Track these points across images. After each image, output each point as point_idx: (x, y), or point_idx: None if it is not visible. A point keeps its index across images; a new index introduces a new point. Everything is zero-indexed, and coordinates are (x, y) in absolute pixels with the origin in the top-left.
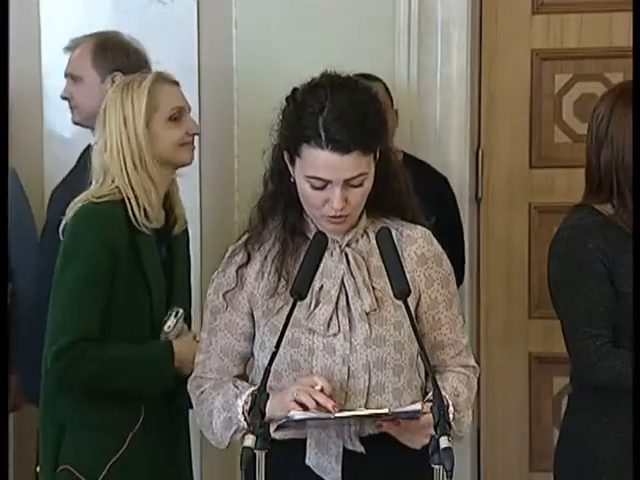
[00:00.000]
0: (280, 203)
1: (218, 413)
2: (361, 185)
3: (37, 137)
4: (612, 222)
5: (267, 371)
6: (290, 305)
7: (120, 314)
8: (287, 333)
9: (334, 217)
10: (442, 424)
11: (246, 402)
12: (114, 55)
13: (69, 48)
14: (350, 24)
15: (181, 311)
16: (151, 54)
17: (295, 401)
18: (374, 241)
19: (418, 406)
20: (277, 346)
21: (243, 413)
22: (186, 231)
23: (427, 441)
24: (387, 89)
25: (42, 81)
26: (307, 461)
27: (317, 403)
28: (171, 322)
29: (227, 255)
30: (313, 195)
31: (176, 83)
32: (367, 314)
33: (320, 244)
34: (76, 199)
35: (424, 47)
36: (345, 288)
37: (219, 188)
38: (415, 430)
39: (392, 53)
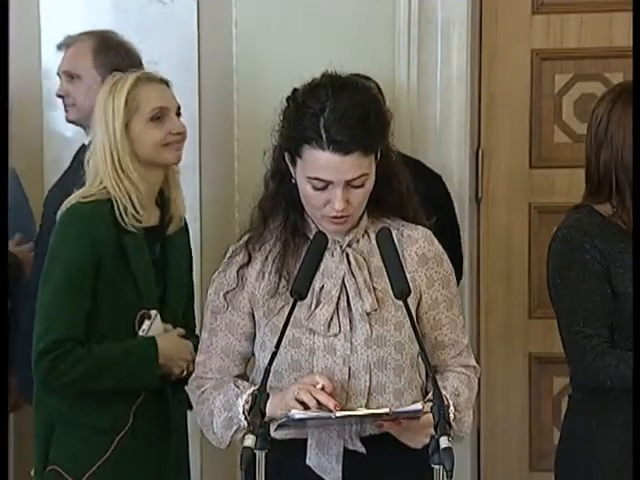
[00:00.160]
0: (281, 204)
1: (219, 413)
2: (362, 186)
3: (37, 137)
4: (611, 222)
5: (267, 371)
6: (291, 305)
7: (107, 313)
8: (288, 333)
9: (335, 218)
10: (442, 424)
11: (247, 402)
12: (115, 55)
13: (63, 46)
14: (350, 24)
15: (154, 313)
16: (151, 54)
17: (296, 400)
18: (375, 241)
19: (419, 406)
20: (277, 346)
21: (244, 413)
22: (185, 229)
23: (427, 441)
24: (379, 89)
25: (42, 81)
26: (307, 461)
27: (318, 402)
28: (145, 326)
29: (228, 255)
30: (314, 196)
31: (164, 82)
32: (368, 314)
33: (320, 244)
34: (67, 200)
35: (424, 47)
36: (346, 288)
37: (219, 188)
38: (415, 430)
39: (392, 53)
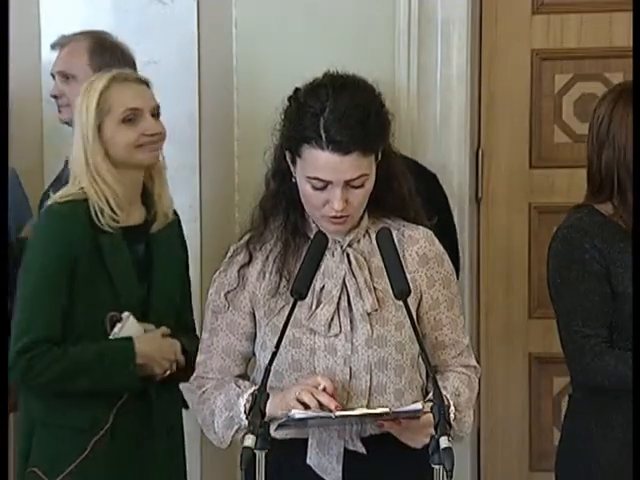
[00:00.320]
0: (282, 203)
1: (220, 412)
2: (362, 186)
3: (37, 137)
4: (611, 222)
5: (267, 371)
6: (291, 305)
7: (84, 314)
8: (288, 333)
9: (335, 217)
10: (442, 424)
11: (248, 401)
12: (111, 56)
13: (57, 45)
14: (350, 24)
15: (126, 315)
16: (151, 54)
17: (297, 400)
18: (375, 241)
19: (419, 405)
20: (277, 346)
21: (245, 412)
22: (175, 227)
23: (428, 440)
24: None
25: (42, 81)
26: (308, 460)
27: (320, 403)
28: (117, 328)
29: (229, 255)
30: (314, 196)
31: (141, 82)
32: (368, 314)
33: (320, 244)
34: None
35: (424, 47)
36: (347, 288)
37: (219, 188)
38: (416, 429)
39: (392, 53)
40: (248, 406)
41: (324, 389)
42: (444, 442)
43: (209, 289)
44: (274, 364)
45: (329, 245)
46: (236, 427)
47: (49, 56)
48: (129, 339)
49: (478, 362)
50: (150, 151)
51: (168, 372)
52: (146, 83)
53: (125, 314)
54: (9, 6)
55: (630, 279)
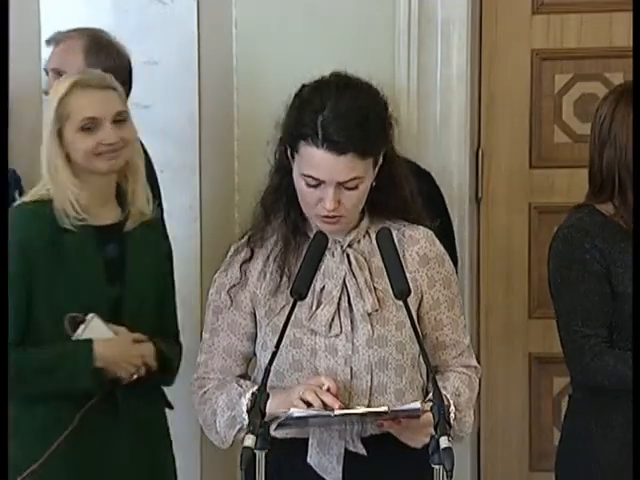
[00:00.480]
0: (282, 198)
1: (222, 412)
2: (356, 188)
3: (37, 137)
4: (612, 222)
5: (267, 371)
6: (291, 305)
7: (46, 314)
8: (289, 333)
9: (327, 217)
10: (442, 424)
11: (250, 400)
12: (106, 55)
13: (52, 42)
14: (350, 24)
15: (90, 316)
16: (151, 54)
17: (301, 399)
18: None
19: (417, 404)
20: (277, 346)
21: (247, 412)
22: (152, 226)
23: (428, 440)
24: None
25: (42, 81)
26: (309, 459)
27: (323, 403)
28: (80, 330)
29: (229, 254)
30: (308, 193)
31: (106, 87)
32: (369, 315)
33: (320, 243)
34: None
35: (424, 47)
36: (347, 289)
37: (219, 188)
38: (415, 429)
39: (392, 53)
40: (250, 405)
41: (328, 389)
42: (444, 442)
43: (209, 289)
44: (275, 364)
45: (329, 245)
46: (238, 427)
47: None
48: (88, 341)
49: (478, 362)
50: (109, 159)
51: (135, 376)
52: (112, 88)
53: (90, 315)
54: (9, 6)
55: (630, 279)
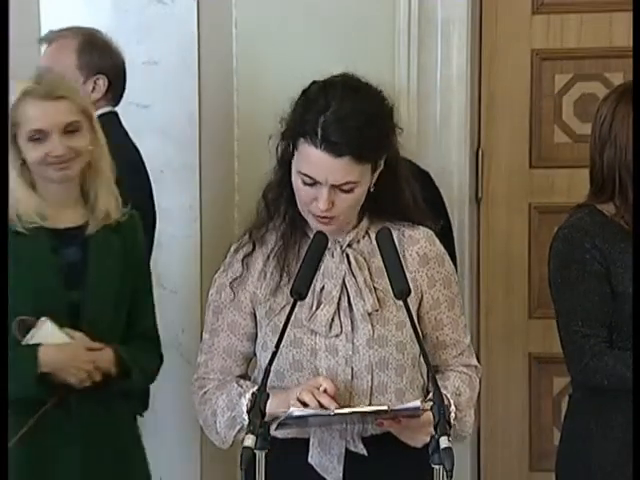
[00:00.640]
0: (283, 194)
1: (222, 412)
2: (351, 191)
3: None
4: (613, 222)
5: (267, 371)
6: (291, 305)
7: None
8: (289, 333)
9: (320, 217)
10: (442, 424)
11: (250, 401)
12: (100, 56)
13: (46, 41)
14: (350, 24)
15: (42, 320)
16: (151, 54)
17: (298, 400)
18: (375, 241)
19: (417, 403)
20: (277, 346)
21: (247, 412)
22: (122, 228)
23: (428, 439)
24: None
25: None
26: (310, 459)
27: (320, 404)
28: (30, 334)
29: (230, 253)
30: (303, 191)
31: (55, 96)
32: (369, 314)
33: (320, 243)
34: None
35: (424, 47)
36: (347, 289)
37: (219, 188)
38: (415, 428)
39: (392, 53)
40: (250, 405)
41: (325, 390)
42: (444, 442)
43: (209, 289)
44: (275, 364)
45: (329, 245)
46: (238, 427)
47: None
48: (33, 347)
49: (478, 362)
50: (59, 170)
51: (88, 382)
52: (64, 97)
53: (41, 319)
54: (9, 6)
55: (630, 279)
